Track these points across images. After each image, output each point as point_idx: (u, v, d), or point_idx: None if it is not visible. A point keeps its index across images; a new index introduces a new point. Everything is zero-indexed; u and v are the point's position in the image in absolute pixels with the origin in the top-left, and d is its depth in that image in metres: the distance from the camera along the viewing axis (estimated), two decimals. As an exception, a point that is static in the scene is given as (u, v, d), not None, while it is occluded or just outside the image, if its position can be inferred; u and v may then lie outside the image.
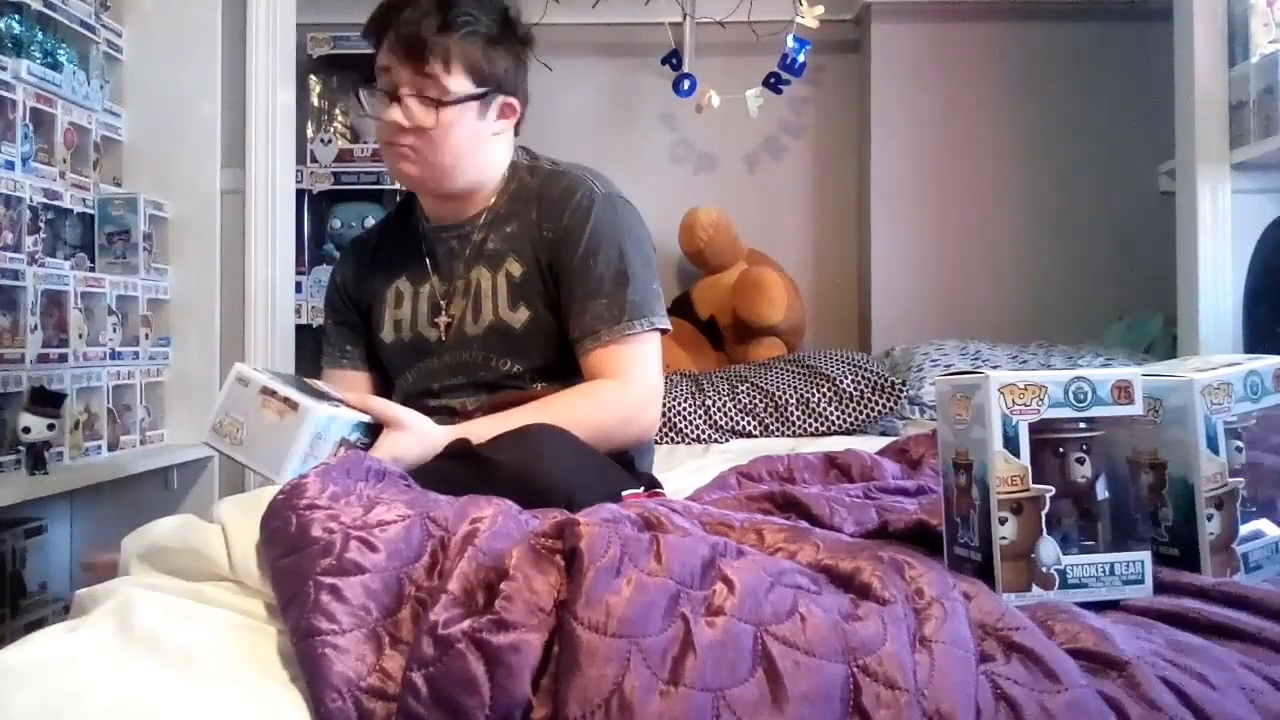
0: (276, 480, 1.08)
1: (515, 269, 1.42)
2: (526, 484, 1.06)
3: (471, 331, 1.43)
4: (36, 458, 1.77)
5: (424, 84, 1.35)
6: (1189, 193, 2.28)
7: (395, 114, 1.36)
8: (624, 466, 1.36)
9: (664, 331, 1.43)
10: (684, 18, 3.11)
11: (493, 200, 1.46)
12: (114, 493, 2.12)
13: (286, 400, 1.16)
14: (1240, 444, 0.94)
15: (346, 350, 1.57)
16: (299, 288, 2.67)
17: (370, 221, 2.88)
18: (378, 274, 1.53)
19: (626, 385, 1.36)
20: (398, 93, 1.36)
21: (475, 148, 1.41)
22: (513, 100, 1.44)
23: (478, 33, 1.37)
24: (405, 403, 1.49)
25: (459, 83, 1.36)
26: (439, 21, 1.34)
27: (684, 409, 2.47)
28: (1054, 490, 0.84)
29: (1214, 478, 0.90)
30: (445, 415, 1.44)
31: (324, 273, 2.85)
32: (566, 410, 1.30)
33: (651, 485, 1.38)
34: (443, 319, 1.45)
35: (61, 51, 2.04)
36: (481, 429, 1.25)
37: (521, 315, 1.41)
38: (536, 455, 1.15)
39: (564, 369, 1.42)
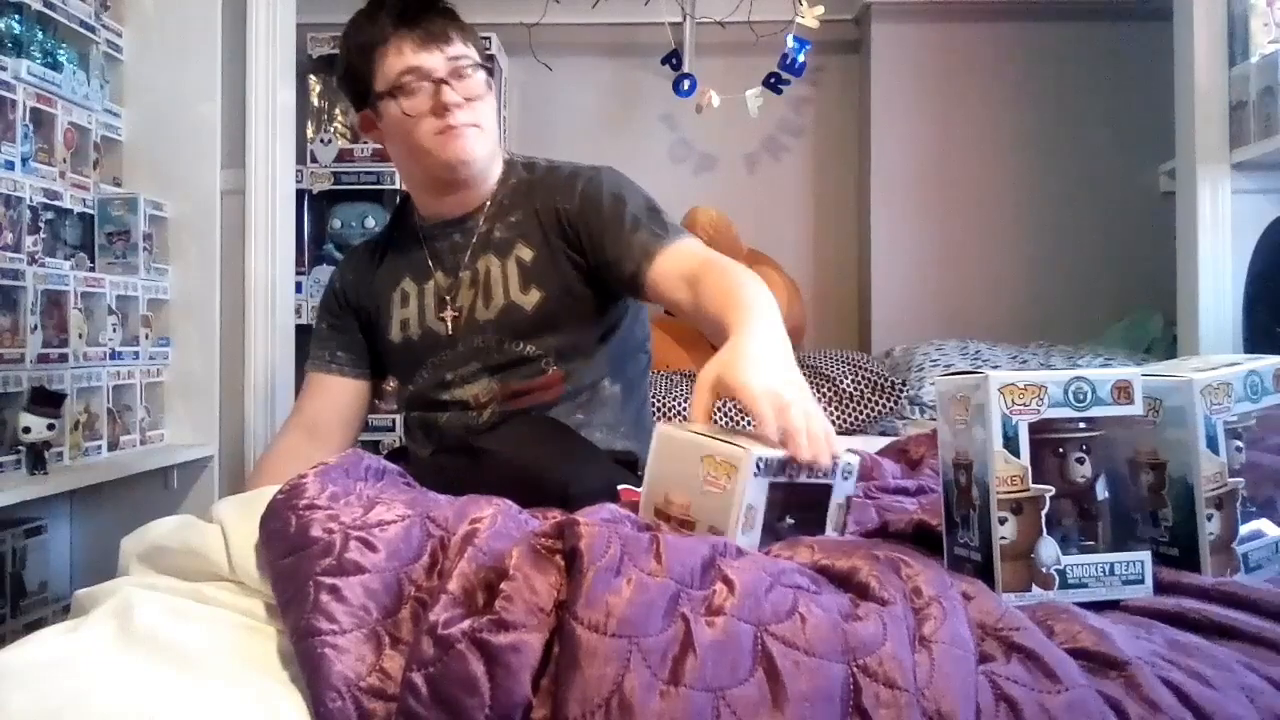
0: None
1: (525, 254, 1.44)
2: (522, 476, 1.06)
3: (483, 317, 1.44)
4: (36, 458, 1.76)
5: (457, 63, 1.39)
6: (1189, 193, 2.28)
7: (448, 94, 1.37)
8: (629, 467, 1.36)
9: None
10: (684, 18, 3.11)
11: (494, 193, 1.48)
12: (114, 493, 2.12)
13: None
14: (1240, 444, 0.93)
15: (337, 355, 1.56)
16: (299, 288, 2.67)
17: (370, 221, 2.89)
18: (382, 279, 1.54)
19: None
20: (436, 78, 1.38)
21: (497, 118, 1.49)
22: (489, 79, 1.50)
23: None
24: (416, 401, 1.49)
25: (474, 52, 1.43)
26: (436, 8, 1.41)
27: (684, 409, 2.47)
28: (1054, 490, 0.84)
29: (1214, 478, 0.90)
30: (457, 410, 1.44)
31: (324, 273, 2.84)
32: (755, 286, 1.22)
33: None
34: (449, 312, 1.46)
35: (61, 51, 2.03)
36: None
37: (533, 297, 1.42)
38: (533, 448, 1.15)
39: (578, 351, 1.43)
